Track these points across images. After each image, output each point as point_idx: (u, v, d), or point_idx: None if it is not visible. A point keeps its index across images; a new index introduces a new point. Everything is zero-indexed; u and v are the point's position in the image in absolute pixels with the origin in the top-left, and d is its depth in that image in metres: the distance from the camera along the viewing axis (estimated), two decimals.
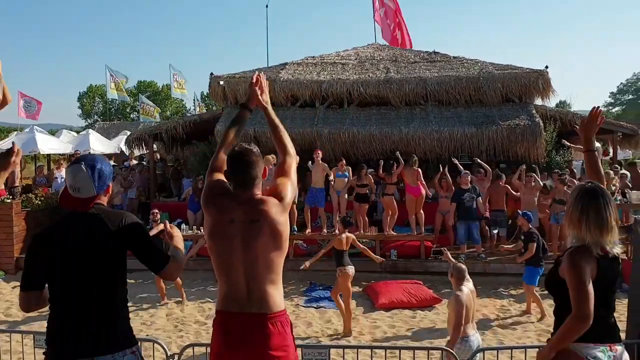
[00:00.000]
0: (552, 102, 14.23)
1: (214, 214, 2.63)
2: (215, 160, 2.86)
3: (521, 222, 8.26)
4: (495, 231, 10.49)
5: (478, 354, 4.61)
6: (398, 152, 10.89)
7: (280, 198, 2.65)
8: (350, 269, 7.36)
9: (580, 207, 2.59)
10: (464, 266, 5.26)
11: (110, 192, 2.70)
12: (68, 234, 2.47)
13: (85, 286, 2.43)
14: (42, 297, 2.53)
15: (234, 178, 2.68)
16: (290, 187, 2.75)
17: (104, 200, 2.63)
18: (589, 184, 2.69)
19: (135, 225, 2.55)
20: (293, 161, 2.89)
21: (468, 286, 5.02)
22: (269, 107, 2.98)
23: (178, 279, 8.51)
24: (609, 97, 64.69)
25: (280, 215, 2.60)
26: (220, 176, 2.79)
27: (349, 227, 7.75)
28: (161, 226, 2.90)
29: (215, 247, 2.62)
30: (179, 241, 2.78)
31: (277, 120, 2.95)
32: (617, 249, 2.61)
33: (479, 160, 10.85)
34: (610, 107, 64.37)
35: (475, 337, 4.95)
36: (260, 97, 2.97)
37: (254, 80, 3.01)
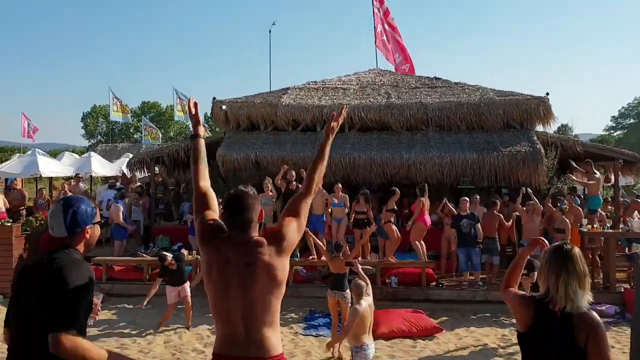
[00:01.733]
0: (552, 128, 14.27)
1: (210, 253, 2.63)
2: (198, 195, 2.87)
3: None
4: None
5: None
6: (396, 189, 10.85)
7: (279, 238, 2.63)
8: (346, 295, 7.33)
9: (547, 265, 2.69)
10: (362, 283, 5.91)
11: (89, 237, 2.57)
12: (31, 277, 2.39)
13: (27, 330, 2.35)
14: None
15: (230, 221, 2.67)
16: (294, 228, 2.72)
17: (81, 245, 2.53)
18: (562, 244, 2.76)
19: (63, 280, 2.30)
20: (309, 200, 2.88)
21: (367, 300, 5.77)
22: (332, 137, 3.06)
23: (189, 303, 8.50)
24: (611, 120, 64.92)
25: (277, 259, 2.58)
26: (211, 213, 2.78)
27: (339, 250, 7.74)
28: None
29: (212, 287, 2.61)
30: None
31: (327, 152, 3.01)
32: (574, 309, 2.54)
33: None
34: (612, 131, 64.50)
35: (371, 348, 5.66)
36: (331, 124, 3.06)
37: (193, 110, 3.06)
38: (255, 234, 2.65)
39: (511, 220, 10.61)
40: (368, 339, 5.66)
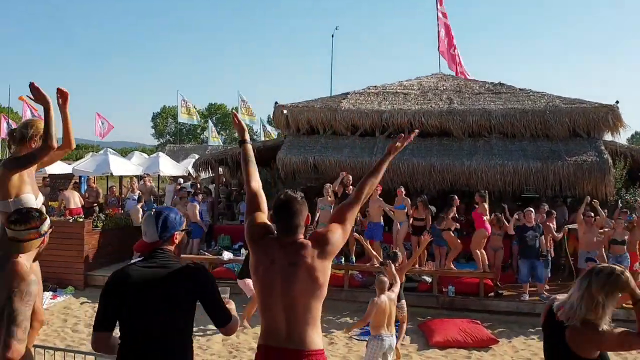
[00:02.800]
0: (622, 138, 13.70)
1: (258, 253, 2.80)
2: (249, 197, 3.06)
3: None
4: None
5: None
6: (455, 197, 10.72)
7: (324, 242, 2.75)
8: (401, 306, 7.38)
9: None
10: (385, 279, 6.40)
11: (177, 242, 2.87)
12: (139, 277, 2.67)
13: (150, 329, 2.63)
14: (111, 341, 2.71)
15: (278, 225, 2.82)
16: (339, 234, 2.83)
17: (169, 248, 2.82)
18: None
19: (208, 282, 2.76)
20: (356, 208, 2.99)
21: (389, 295, 6.21)
22: (392, 155, 3.21)
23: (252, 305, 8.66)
24: None
25: (320, 261, 2.70)
26: (261, 215, 2.95)
27: (395, 261, 7.72)
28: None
29: (258, 285, 2.78)
30: (233, 319, 2.91)
31: (383, 168, 3.16)
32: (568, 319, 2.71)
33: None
34: None
35: (389, 339, 6.04)
36: (396, 144, 3.19)
37: (236, 119, 3.36)
38: (301, 236, 2.79)
39: (562, 233, 10.28)
40: (386, 330, 6.06)
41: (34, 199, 3.71)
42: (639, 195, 11.93)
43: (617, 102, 12.69)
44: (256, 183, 3.09)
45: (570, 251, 10.61)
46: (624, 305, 7.29)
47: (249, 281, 8.19)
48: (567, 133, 12.75)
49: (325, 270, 2.73)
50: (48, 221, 3.06)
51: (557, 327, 2.81)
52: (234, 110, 3.71)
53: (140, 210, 12.63)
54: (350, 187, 10.98)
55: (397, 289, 6.55)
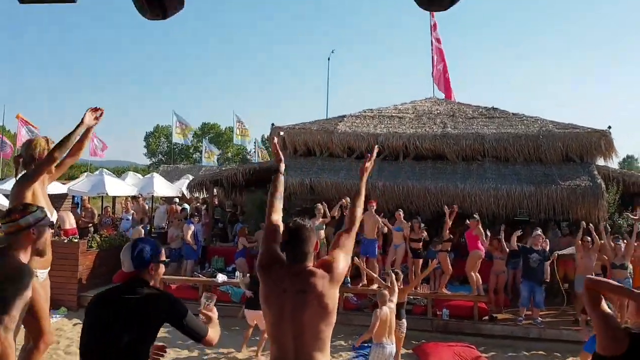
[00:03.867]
0: (614, 163, 13.87)
1: (268, 282, 2.84)
2: (268, 229, 3.10)
3: None
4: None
5: None
6: (452, 206, 10.78)
7: (330, 270, 2.81)
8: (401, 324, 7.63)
9: None
10: (386, 293, 6.99)
11: (154, 274, 2.92)
12: (105, 298, 2.84)
13: (103, 349, 2.70)
14: None
15: (287, 252, 2.88)
16: (342, 260, 2.90)
17: (148, 277, 2.89)
18: None
19: (175, 307, 2.83)
20: (354, 233, 3.09)
21: (390, 306, 6.82)
22: (366, 175, 3.36)
23: (251, 325, 8.61)
24: None
25: (329, 288, 2.76)
26: (274, 245, 2.99)
27: (397, 280, 7.83)
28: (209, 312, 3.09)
29: (268, 313, 2.82)
30: (215, 325, 3.02)
31: (363, 190, 3.27)
32: None
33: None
34: None
35: (390, 347, 6.63)
36: (365, 165, 3.35)
37: (276, 147, 3.43)
38: (310, 264, 2.85)
39: (551, 259, 10.35)
40: (387, 339, 6.65)
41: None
42: (631, 220, 12.02)
43: (609, 127, 12.88)
44: (277, 216, 3.15)
45: (560, 276, 10.67)
46: None
47: (257, 313, 8.05)
48: (561, 157, 12.91)
49: (334, 296, 2.79)
50: (35, 215, 3.08)
51: None
52: (275, 140, 3.67)
53: (142, 231, 12.62)
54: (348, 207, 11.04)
55: (395, 298, 7.14)
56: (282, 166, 3.34)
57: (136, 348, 2.73)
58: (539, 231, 10.37)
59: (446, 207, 10.67)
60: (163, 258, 3.00)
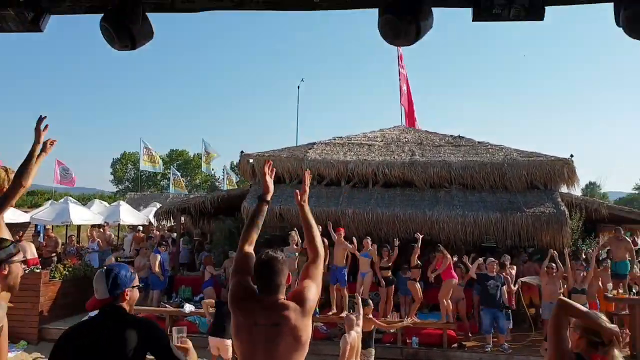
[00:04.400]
0: (578, 188, 14.24)
1: (239, 316, 2.80)
2: (238, 257, 3.03)
3: None
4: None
5: None
6: (418, 233, 10.90)
7: (302, 302, 2.77)
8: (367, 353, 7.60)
9: None
10: (353, 317, 7.14)
11: (129, 299, 2.85)
12: (85, 336, 2.69)
13: None
14: None
15: (259, 284, 2.83)
16: (314, 290, 2.87)
17: (121, 304, 2.81)
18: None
19: (157, 334, 2.75)
20: (321, 262, 3.02)
21: (357, 330, 6.98)
22: (307, 206, 3.13)
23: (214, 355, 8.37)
24: None
25: (302, 320, 2.73)
26: (247, 278, 2.92)
27: (366, 305, 7.89)
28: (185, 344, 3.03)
29: (240, 347, 2.78)
30: (192, 355, 2.96)
31: (311, 220, 3.10)
32: None
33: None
34: None
35: None
36: (301, 196, 3.15)
37: (267, 174, 3.21)
38: (282, 296, 2.81)
39: (516, 286, 10.50)
40: None
41: None
42: (595, 245, 12.34)
43: (572, 155, 13.25)
44: (250, 247, 3.06)
45: (526, 303, 10.82)
46: None
47: (220, 341, 7.92)
48: (525, 185, 13.19)
49: (307, 328, 2.76)
50: (7, 250, 2.98)
51: None
52: (270, 164, 3.56)
53: (114, 259, 12.37)
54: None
55: (360, 322, 7.28)
56: (269, 196, 3.18)
57: None
58: (508, 258, 10.53)
59: (417, 234, 10.78)
60: (137, 283, 2.94)
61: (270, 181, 3.20)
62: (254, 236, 3.10)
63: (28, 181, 3.64)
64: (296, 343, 2.69)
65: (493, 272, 10.00)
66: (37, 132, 3.79)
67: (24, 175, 3.64)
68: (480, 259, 10.37)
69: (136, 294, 2.92)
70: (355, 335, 6.87)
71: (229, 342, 7.64)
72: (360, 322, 7.24)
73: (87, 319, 2.87)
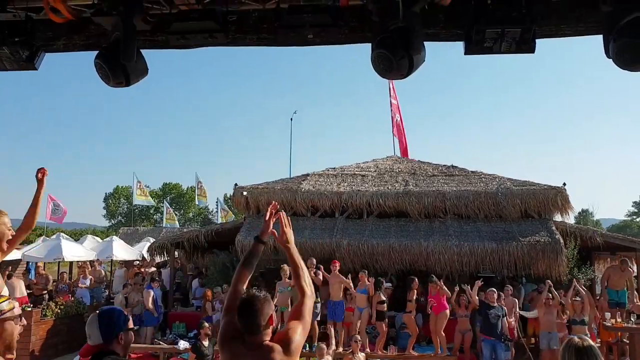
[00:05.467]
0: (572, 216, 14.27)
1: (226, 356, 2.77)
2: (230, 297, 2.98)
3: None
4: None
5: None
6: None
7: (287, 344, 2.72)
8: None
9: None
10: (324, 345, 7.64)
11: (123, 342, 2.77)
12: None
13: None
14: None
15: (242, 325, 2.78)
16: (299, 331, 2.81)
17: (118, 348, 2.74)
18: (578, 339, 2.81)
19: None
20: (310, 302, 2.96)
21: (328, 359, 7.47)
22: (291, 246, 3.05)
23: None
24: (633, 206, 64.31)
25: None
26: (235, 316, 2.85)
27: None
28: None
29: None
30: None
31: (298, 260, 3.03)
32: None
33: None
34: (635, 217, 63.75)
35: None
36: (281, 237, 3.05)
37: (268, 215, 3.12)
38: (266, 338, 2.75)
39: (513, 318, 10.40)
40: None
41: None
42: (590, 274, 12.30)
43: (565, 184, 13.31)
44: (243, 286, 3.02)
45: (530, 333, 10.71)
46: None
47: None
48: (520, 214, 13.19)
49: None
50: (1, 307, 2.91)
51: None
52: (276, 206, 3.56)
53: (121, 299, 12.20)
54: (314, 268, 10.92)
55: (332, 351, 7.93)
56: (266, 237, 3.11)
57: None
58: (510, 289, 10.47)
59: (415, 280, 10.68)
60: (131, 325, 2.87)
61: (271, 223, 3.12)
62: (247, 275, 3.06)
63: (33, 223, 3.63)
64: None
65: (494, 302, 9.89)
66: (39, 180, 3.81)
67: (33, 217, 3.66)
68: (479, 281, 10.29)
69: (131, 337, 2.85)
70: None
71: None
72: (332, 350, 7.73)
73: None
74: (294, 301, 11.10)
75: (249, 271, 3.06)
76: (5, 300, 2.90)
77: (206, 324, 8.69)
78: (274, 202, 3.27)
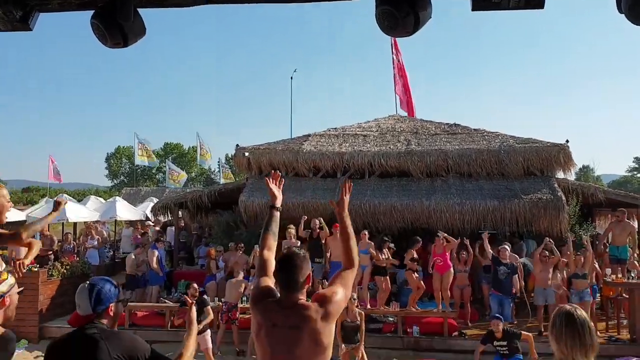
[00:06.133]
0: (572, 174, 14.25)
1: (258, 316, 2.72)
2: (260, 262, 2.97)
3: None
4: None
5: None
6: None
7: (325, 304, 2.66)
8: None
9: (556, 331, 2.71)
10: None
11: (112, 314, 2.79)
12: (66, 352, 2.66)
13: None
14: None
15: (279, 280, 2.75)
16: (340, 294, 2.75)
17: (106, 320, 2.75)
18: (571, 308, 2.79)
19: (138, 348, 2.67)
20: (353, 273, 2.92)
21: None
22: (346, 217, 3.01)
23: (210, 357, 8.37)
24: (633, 161, 64.15)
25: (323, 324, 2.61)
26: (268, 280, 2.86)
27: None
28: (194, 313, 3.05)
29: (260, 349, 2.71)
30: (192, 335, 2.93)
31: (350, 230, 2.99)
32: None
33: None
34: (635, 172, 63.70)
35: None
36: (342, 208, 3.03)
37: (271, 179, 3.15)
38: (302, 297, 2.72)
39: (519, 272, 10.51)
40: None
41: None
42: (592, 230, 12.35)
43: (568, 141, 13.22)
44: (269, 251, 2.99)
45: (530, 288, 10.84)
46: None
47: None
48: (522, 172, 13.17)
49: (329, 332, 2.65)
50: (8, 282, 2.92)
51: None
52: (279, 175, 3.52)
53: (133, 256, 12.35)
54: (317, 229, 11.00)
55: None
56: (278, 202, 3.11)
57: None
58: (507, 246, 10.53)
59: (419, 241, 10.72)
60: (121, 297, 2.90)
61: (275, 189, 3.14)
62: (271, 242, 3.02)
63: (24, 237, 3.69)
64: (316, 347, 2.58)
65: (506, 259, 9.99)
66: (57, 205, 3.98)
67: (27, 231, 3.68)
68: (486, 232, 10.37)
69: (121, 308, 2.87)
70: None
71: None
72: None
73: (70, 333, 2.78)
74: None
75: (271, 236, 3.03)
76: (4, 280, 2.90)
77: (194, 285, 8.88)
78: (277, 173, 3.24)
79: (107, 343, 2.60)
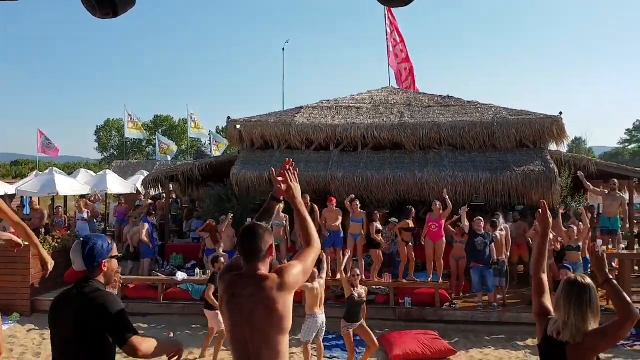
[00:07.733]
0: (564, 146, 14.27)
1: (222, 287, 2.81)
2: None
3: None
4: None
5: None
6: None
7: (283, 275, 2.72)
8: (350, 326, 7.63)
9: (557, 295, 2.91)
10: (315, 270, 7.20)
11: (106, 269, 2.88)
12: (59, 305, 2.83)
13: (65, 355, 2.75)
14: None
15: (240, 249, 2.81)
16: (299, 268, 2.80)
17: (100, 277, 2.86)
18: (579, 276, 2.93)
19: (101, 307, 2.71)
20: (314, 252, 2.94)
21: (320, 282, 7.37)
22: (297, 200, 3.02)
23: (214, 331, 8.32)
24: (625, 133, 64.49)
25: (279, 294, 2.66)
26: (239, 258, 2.91)
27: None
28: None
29: (225, 318, 2.80)
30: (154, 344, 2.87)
31: (304, 213, 3.00)
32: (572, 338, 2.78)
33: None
34: (627, 144, 64.08)
35: (321, 317, 7.36)
36: (287, 192, 3.02)
37: (280, 173, 3.06)
38: (263, 267, 2.76)
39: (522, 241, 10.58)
40: (319, 310, 7.33)
41: None
42: (584, 203, 12.42)
43: (561, 113, 13.20)
44: None
45: (515, 260, 10.94)
46: None
47: (212, 313, 7.95)
48: (515, 144, 13.17)
49: (285, 303, 2.68)
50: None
51: (558, 346, 2.84)
52: (289, 164, 3.50)
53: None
54: (309, 203, 10.95)
55: (323, 273, 7.67)
56: (280, 194, 3.08)
57: (78, 350, 2.70)
58: (501, 217, 10.56)
59: (413, 211, 10.71)
60: (115, 253, 2.95)
61: (277, 185, 3.06)
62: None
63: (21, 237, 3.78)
64: (271, 316, 2.62)
65: (481, 230, 10.04)
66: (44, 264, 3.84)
67: (23, 232, 3.73)
68: (465, 207, 10.40)
69: (114, 264, 2.93)
70: (317, 285, 7.29)
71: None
72: (324, 275, 7.62)
73: (67, 289, 2.89)
74: (288, 235, 11.25)
75: (266, 222, 3.04)
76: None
77: (222, 259, 8.66)
78: (290, 161, 3.14)
79: (85, 299, 2.73)
